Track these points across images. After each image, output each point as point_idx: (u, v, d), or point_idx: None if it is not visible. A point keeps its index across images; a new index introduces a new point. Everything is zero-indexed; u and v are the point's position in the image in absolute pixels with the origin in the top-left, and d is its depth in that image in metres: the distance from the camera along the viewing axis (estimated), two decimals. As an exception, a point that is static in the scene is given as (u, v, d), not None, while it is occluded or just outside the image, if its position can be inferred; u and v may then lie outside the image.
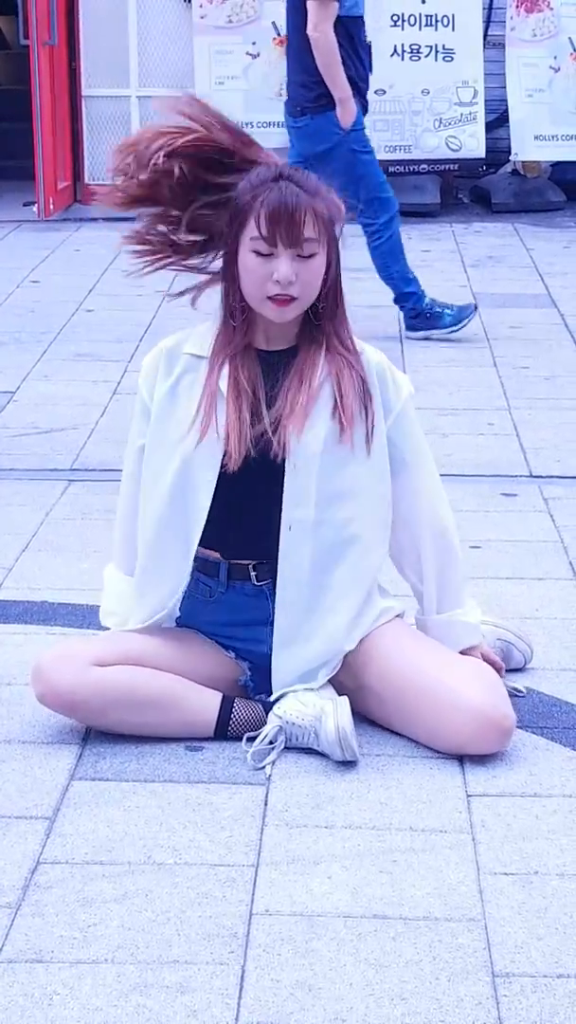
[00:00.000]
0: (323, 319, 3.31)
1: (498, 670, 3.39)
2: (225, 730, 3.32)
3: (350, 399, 3.30)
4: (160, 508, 3.32)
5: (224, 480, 3.27)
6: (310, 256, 3.22)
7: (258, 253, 3.19)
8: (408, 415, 3.45)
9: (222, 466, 3.25)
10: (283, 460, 3.26)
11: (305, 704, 3.26)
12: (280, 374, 3.30)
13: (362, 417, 3.31)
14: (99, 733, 3.33)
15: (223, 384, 3.26)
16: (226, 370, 3.27)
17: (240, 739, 3.29)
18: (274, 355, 3.32)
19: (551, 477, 5.16)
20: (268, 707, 3.32)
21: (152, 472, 3.35)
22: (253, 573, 3.34)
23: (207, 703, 3.33)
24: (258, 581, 3.34)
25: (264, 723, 3.30)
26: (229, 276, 3.27)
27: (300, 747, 3.25)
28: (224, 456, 3.24)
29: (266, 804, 3.08)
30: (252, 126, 10.10)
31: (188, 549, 3.32)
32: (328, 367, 3.31)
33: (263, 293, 3.21)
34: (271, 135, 10.10)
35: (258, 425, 3.26)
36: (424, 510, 3.42)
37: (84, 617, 3.91)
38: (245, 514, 3.32)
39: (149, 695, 3.29)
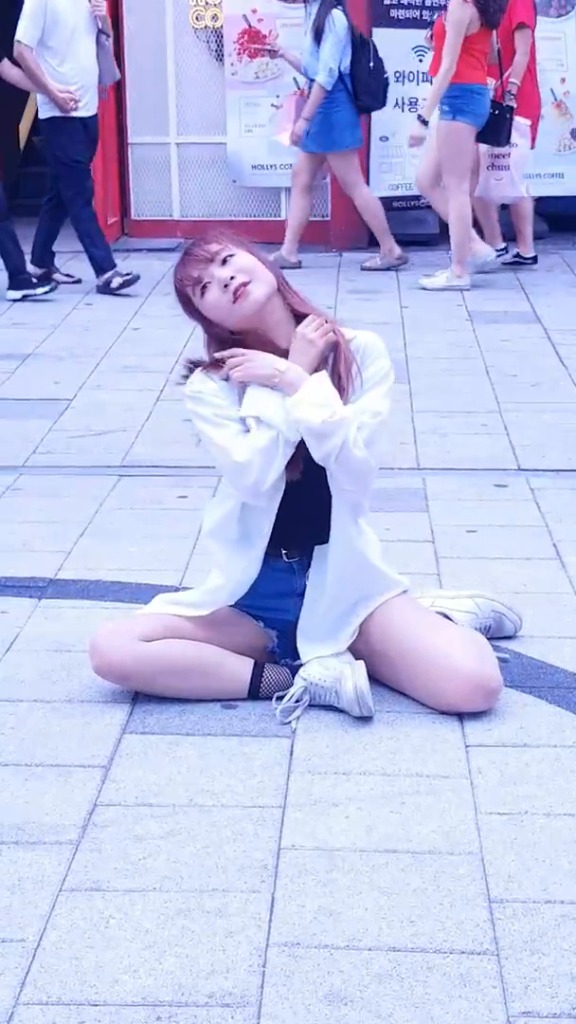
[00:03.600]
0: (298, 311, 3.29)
1: None
2: (257, 691, 3.31)
3: (345, 381, 3.27)
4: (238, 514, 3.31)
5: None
6: (229, 255, 3.21)
7: (204, 290, 3.20)
8: (377, 386, 3.33)
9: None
10: (296, 461, 3.24)
11: (327, 668, 3.26)
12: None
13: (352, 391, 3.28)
14: (147, 695, 3.33)
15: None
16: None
17: (270, 699, 3.29)
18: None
19: (537, 470, 5.14)
20: (294, 671, 3.32)
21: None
22: (284, 552, 3.34)
23: (241, 668, 3.33)
24: (288, 559, 3.35)
25: (291, 685, 3.30)
26: (206, 328, 3.28)
27: (322, 705, 3.25)
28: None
29: (292, 754, 3.08)
30: (276, 168, 10.09)
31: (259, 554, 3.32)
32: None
33: (227, 303, 3.19)
34: (290, 176, 10.11)
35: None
36: None
37: (132, 594, 3.91)
38: (283, 507, 3.29)
39: (190, 664, 3.28)
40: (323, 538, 3.32)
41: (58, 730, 3.17)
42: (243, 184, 10.15)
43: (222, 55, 10.04)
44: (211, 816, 2.81)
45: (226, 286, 3.18)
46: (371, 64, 8.80)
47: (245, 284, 3.19)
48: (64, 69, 8.31)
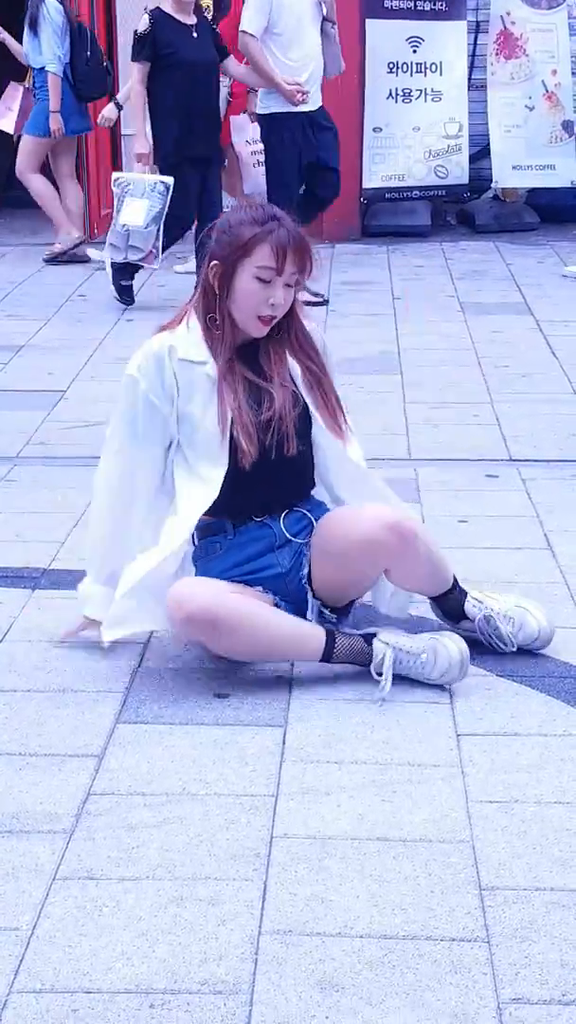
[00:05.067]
0: (284, 317, 3.40)
1: None
2: (330, 656, 3.34)
3: (317, 376, 3.46)
4: (195, 495, 3.37)
5: (234, 464, 3.35)
6: (296, 285, 3.34)
7: (260, 280, 3.29)
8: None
9: (237, 454, 3.34)
10: (291, 438, 3.39)
11: (410, 637, 3.33)
12: (261, 364, 3.41)
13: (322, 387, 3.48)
14: (141, 682, 3.34)
15: (231, 383, 3.36)
16: (232, 371, 3.37)
17: (339, 663, 3.35)
18: (248, 348, 3.42)
19: (528, 460, 5.15)
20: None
21: (186, 463, 3.39)
22: (256, 518, 3.45)
23: (315, 632, 3.36)
24: (258, 518, 3.44)
25: (364, 651, 3.33)
26: (221, 293, 3.32)
27: (400, 675, 3.30)
28: (239, 451, 3.33)
29: (284, 743, 3.08)
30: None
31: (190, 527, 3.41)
32: (297, 355, 3.45)
33: (255, 313, 3.31)
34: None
35: (263, 414, 3.36)
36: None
37: (126, 584, 3.91)
38: (257, 485, 3.38)
39: (270, 622, 3.32)
40: (297, 499, 3.47)
41: (52, 719, 3.18)
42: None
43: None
44: (204, 805, 2.82)
45: (273, 305, 3.30)
46: (88, 53, 8.96)
47: (272, 319, 3.34)
48: (292, 60, 7.69)
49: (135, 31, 7.74)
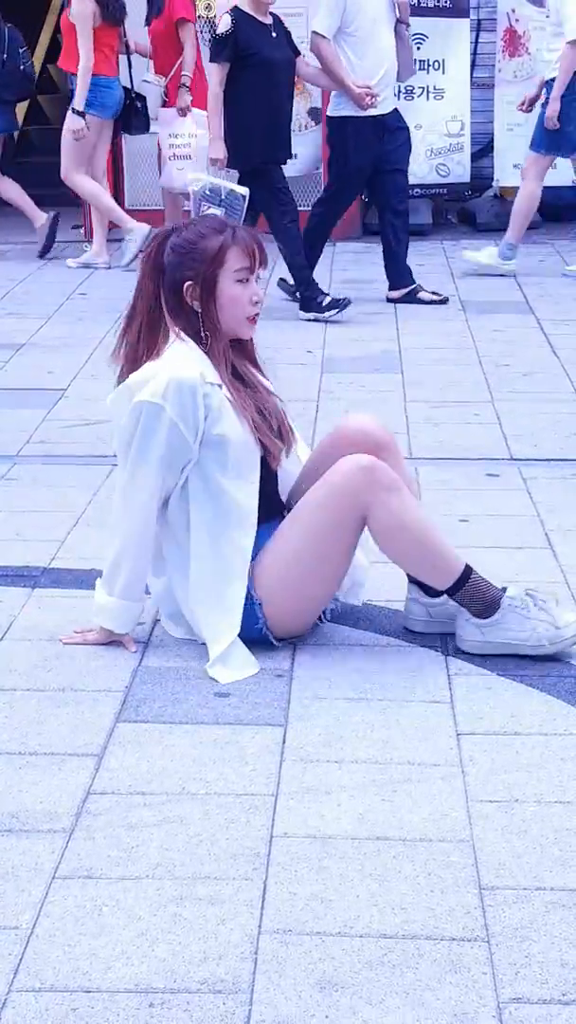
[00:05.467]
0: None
1: None
2: (460, 586, 3.45)
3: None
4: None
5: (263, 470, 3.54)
6: (257, 279, 3.49)
7: (240, 282, 3.42)
8: None
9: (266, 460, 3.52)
10: (291, 440, 3.61)
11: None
12: (246, 377, 3.55)
13: None
14: (141, 681, 3.34)
15: (242, 396, 3.47)
16: (236, 386, 3.47)
17: (465, 597, 3.46)
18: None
19: (529, 460, 5.15)
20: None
21: (213, 478, 3.41)
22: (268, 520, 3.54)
23: (456, 557, 3.47)
24: (268, 521, 3.52)
25: (495, 599, 3.45)
26: (205, 309, 3.41)
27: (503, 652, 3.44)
28: (269, 455, 3.51)
29: (284, 742, 3.09)
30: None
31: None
32: (255, 363, 3.63)
33: (244, 315, 3.44)
34: (286, 165, 10.07)
35: (271, 421, 3.52)
36: None
37: (127, 583, 3.92)
38: (272, 487, 3.57)
39: (433, 526, 3.50)
40: (280, 510, 3.60)
41: (52, 718, 3.18)
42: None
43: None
44: (204, 804, 2.82)
45: (256, 302, 3.46)
46: (4, 56, 8.98)
47: (257, 316, 3.48)
48: (365, 63, 7.57)
49: (214, 31, 7.56)
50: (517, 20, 9.92)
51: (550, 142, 8.28)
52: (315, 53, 7.57)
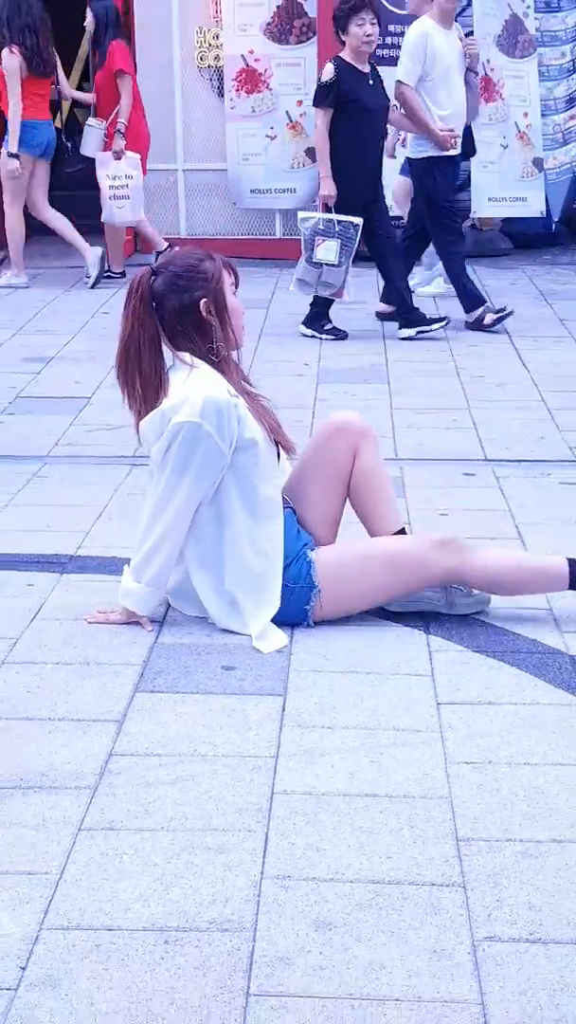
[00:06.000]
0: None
1: None
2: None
3: None
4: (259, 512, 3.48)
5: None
6: None
7: (233, 295, 3.48)
8: None
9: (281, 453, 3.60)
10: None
11: None
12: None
13: None
14: (157, 656, 3.35)
15: (254, 401, 3.52)
16: (250, 398, 3.52)
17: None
18: None
19: (501, 460, 5.15)
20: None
21: (245, 478, 3.43)
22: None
23: (558, 561, 3.55)
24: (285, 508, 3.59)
25: None
26: (221, 321, 3.42)
27: None
28: (287, 450, 3.58)
29: (284, 710, 3.09)
30: (271, 192, 10.08)
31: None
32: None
33: (240, 323, 3.50)
34: (285, 199, 10.09)
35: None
36: None
37: (144, 569, 3.92)
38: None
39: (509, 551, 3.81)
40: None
41: (78, 688, 3.18)
42: (242, 206, 10.14)
43: (223, 91, 10.02)
44: (212, 765, 2.83)
45: (242, 312, 3.51)
46: None
47: None
48: (442, 107, 7.44)
49: (319, 79, 7.43)
50: (492, 69, 9.90)
51: None
52: (400, 100, 7.42)
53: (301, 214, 7.61)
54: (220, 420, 3.34)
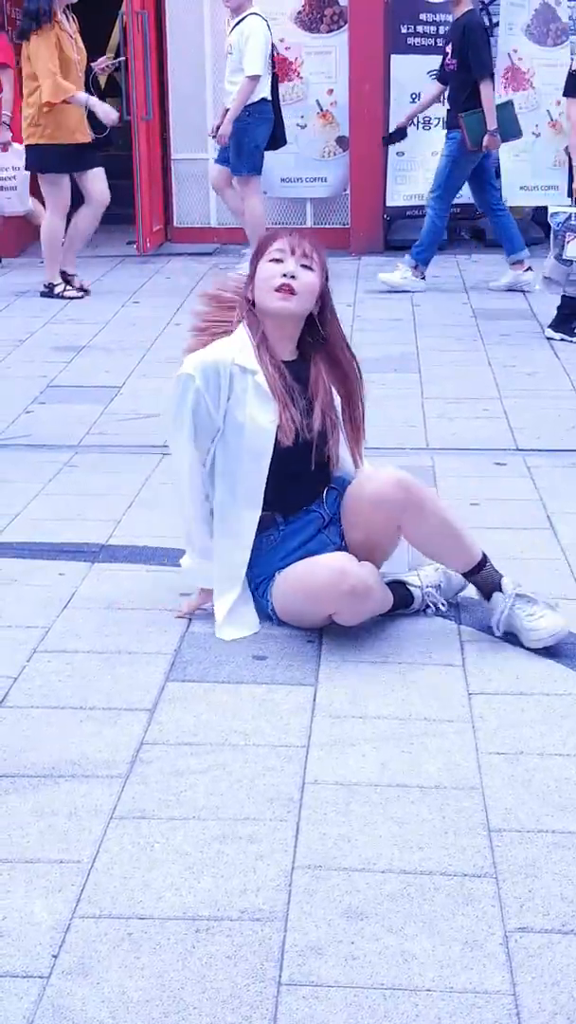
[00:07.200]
0: (324, 328, 3.43)
1: None
2: (481, 568, 3.39)
3: (355, 398, 3.48)
4: (240, 485, 3.36)
5: (279, 459, 3.35)
6: (309, 268, 3.35)
7: (273, 261, 3.34)
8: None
9: (279, 448, 3.36)
10: (321, 441, 3.41)
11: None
12: (303, 377, 3.42)
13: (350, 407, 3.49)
14: (188, 645, 3.34)
15: (274, 386, 3.36)
16: (275, 378, 3.37)
17: (480, 581, 3.39)
18: (292, 364, 3.43)
19: (532, 450, 5.12)
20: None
21: (230, 457, 3.36)
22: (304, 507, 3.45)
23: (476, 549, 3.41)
24: (305, 507, 3.44)
25: (496, 582, 3.39)
26: (254, 294, 3.37)
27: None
28: (279, 441, 3.35)
29: (315, 700, 3.08)
30: (302, 181, 10.06)
31: (255, 517, 3.39)
32: (333, 372, 3.45)
33: (270, 286, 3.32)
34: (315, 187, 10.07)
35: (304, 420, 3.38)
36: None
37: (173, 558, 3.91)
38: (302, 479, 3.41)
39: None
40: (329, 482, 3.45)
41: (110, 678, 3.19)
42: (272, 195, 10.12)
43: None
44: (244, 754, 2.83)
45: (284, 274, 3.32)
46: None
47: (291, 291, 3.32)
48: None
49: (571, 68, 7.20)
50: (520, 59, 9.84)
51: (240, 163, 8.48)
52: None
53: (551, 207, 7.23)
54: (207, 377, 3.31)
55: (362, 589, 3.23)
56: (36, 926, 2.25)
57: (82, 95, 7.94)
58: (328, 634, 3.42)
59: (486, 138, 8.02)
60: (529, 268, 8.32)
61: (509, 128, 8.16)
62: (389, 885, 2.36)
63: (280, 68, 9.86)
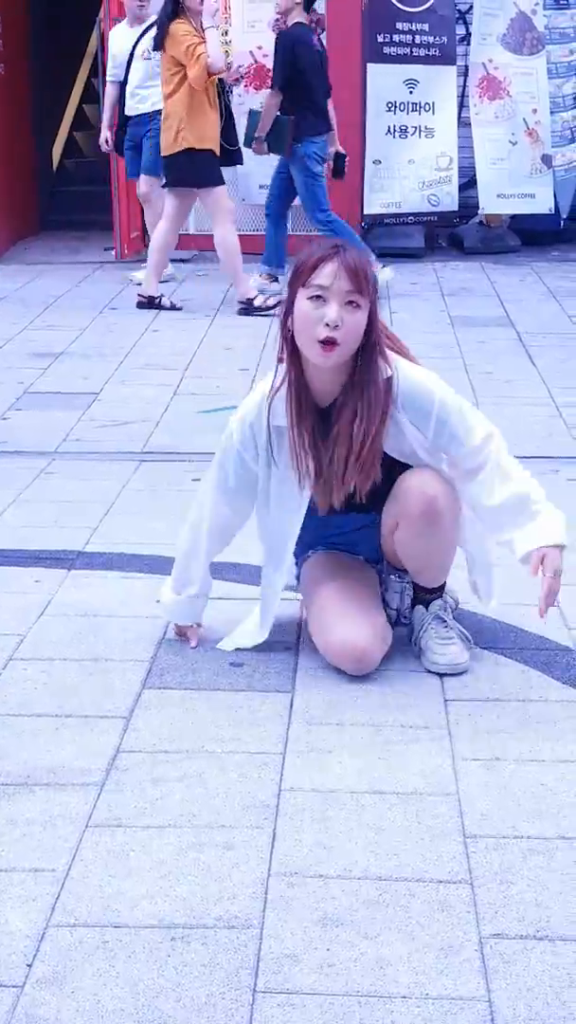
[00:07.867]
0: (367, 367, 3.06)
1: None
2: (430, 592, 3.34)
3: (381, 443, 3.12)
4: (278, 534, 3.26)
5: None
6: (355, 304, 2.97)
7: (314, 298, 2.94)
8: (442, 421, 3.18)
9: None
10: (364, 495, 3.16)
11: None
12: (331, 423, 3.10)
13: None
14: (165, 652, 3.34)
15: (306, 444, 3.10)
16: (304, 436, 3.09)
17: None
18: (326, 410, 3.13)
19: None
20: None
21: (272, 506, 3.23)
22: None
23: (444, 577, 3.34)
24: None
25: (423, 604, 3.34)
26: (289, 329, 3.02)
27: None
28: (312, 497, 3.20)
29: (291, 707, 3.08)
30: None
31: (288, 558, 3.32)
32: (368, 415, 3.06)
33: (314, 336, 2.95)
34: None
35: (327, 469, 3.13)
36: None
37: (151, 565, 3.91)
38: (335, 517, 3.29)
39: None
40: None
41: (85, 685, 3.18)
42: (251, 202, 10.12)
43: (231, 88, 9.98)
44: (220, 761, 2.82)
45: (327, 324, 2.94)
46: None
47: (335, 344, 2.95)
48: None
49: None
50: (496, 68, 9.89)
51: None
52: None
53: None
54: (249, 433, 3.15)
55: (367, 664, 3.21)
56: (10, 935, 2.24)
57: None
58: (306, 642, 3.42)
59: (254, 142, 8.37)
60: (276, 280, 8.44)
61: (275, 142, 8.39)
62: (365, 892, 2.36)
63: (257, 76, 9.89)
